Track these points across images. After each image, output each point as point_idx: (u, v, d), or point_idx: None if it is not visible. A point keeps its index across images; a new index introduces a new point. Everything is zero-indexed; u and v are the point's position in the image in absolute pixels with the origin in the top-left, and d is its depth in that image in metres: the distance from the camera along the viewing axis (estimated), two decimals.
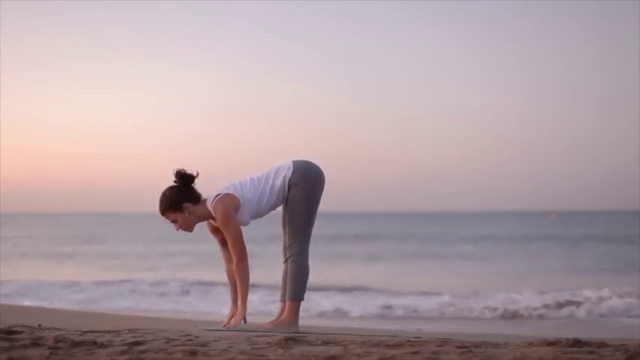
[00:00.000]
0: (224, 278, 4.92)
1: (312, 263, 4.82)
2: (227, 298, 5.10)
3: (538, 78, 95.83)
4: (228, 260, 4.79)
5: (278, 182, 4.74)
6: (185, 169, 4.69)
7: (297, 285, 4.75)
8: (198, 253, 24.98)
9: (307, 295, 4.88)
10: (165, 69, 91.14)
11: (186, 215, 4.66)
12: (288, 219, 4.77)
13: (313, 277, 5.05)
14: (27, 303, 11.79)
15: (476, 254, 27.01)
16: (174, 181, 4.70)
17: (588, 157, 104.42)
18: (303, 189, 4.74)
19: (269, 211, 4.80)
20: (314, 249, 5.04)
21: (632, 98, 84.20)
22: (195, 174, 4.70)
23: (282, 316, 4.76)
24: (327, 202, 4.94)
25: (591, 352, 3.41)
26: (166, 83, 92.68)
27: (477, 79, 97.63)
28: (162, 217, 4.73)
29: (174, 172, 4.68)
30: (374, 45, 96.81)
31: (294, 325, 4.71)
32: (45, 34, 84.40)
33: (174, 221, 4.69)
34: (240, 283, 4.64)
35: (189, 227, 4.71)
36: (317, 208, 4.82)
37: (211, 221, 4.76)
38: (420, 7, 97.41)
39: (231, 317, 4.76)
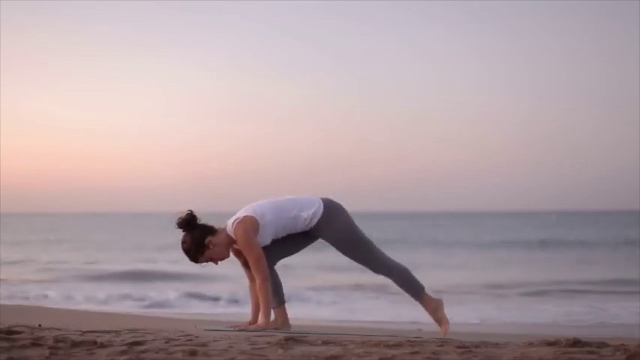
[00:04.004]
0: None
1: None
2: None
3: (543, 78, 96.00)
4: (252, 279, 4.84)
5: (304, 215, 4.77)
6: (180, 215, 4.73)
7: (410, 289, 4.84)
8: None
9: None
10: (170, 69, 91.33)
11: (214, 249, 4.73)
12: (353, 257, 4.84)
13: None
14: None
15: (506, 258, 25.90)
16: (183, 230, 4.74)
17: (590, 157, 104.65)
18: (341, 225, 4.79)
19: (285, 235, 4.84)
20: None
21: (635, 99, 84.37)
22: (190, 211, 4.74)
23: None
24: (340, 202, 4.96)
25: (591, 352, 3.41)
26: (172, 83, 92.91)
27: (483, 80, 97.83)
28: (198, 264, 4.81)
29: (177, 224, 4.72)
30: (381, 45, 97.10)
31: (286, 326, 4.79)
32: (46, 33, 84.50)
33: (209, 260, 4.77)
34: (263, 302, 4.69)
35: (224, 255, 4.79)
36: (361, 232, 4.84)
37: (235, 245, 4.80)
38: (428, 8, 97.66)
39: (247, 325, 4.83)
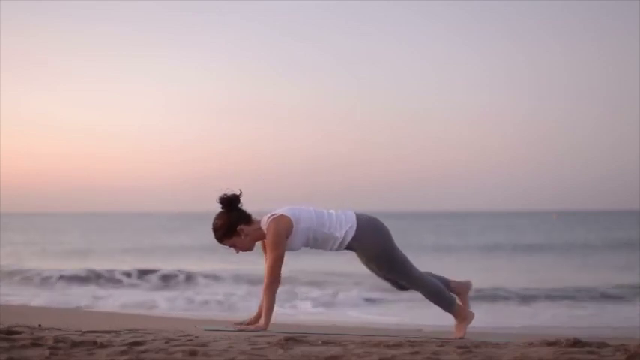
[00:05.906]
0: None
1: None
2: None
3: (543, 78, 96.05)
4: None
5: (338, 234, 4.71)
6: (226, 192, 4.66)
7: (439, 302, 4.90)
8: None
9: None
10: (170, 69, 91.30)
11: (242, 237, 4.66)
12: (382, 276, 4.86)
13: None
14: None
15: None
16: (222, 208, 4.67)
17: (590, 157, 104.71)
18: (372, 248, 4.75)
19: (312, 247, 4.82)
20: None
21: (635, 99, 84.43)
22: (238, 193, 4.68)
23: None
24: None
25: (591, 352, 3.41)
26: (172, 83, 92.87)
27: (483, 80, 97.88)
28: (220, 244, 4.74)
29: (219, 199, 4.64)
30: (381, 45, 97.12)
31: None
32: (46, 33, 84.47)
33: (232, 246, 4.70)
34: (267, 303, 4.63)
35: (249, 248, 4.73)
36: (397, 249, 4.83)
37: (264, 239, 4.75)
38: (428, 8, 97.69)
39: (249, 323, 4.79)
